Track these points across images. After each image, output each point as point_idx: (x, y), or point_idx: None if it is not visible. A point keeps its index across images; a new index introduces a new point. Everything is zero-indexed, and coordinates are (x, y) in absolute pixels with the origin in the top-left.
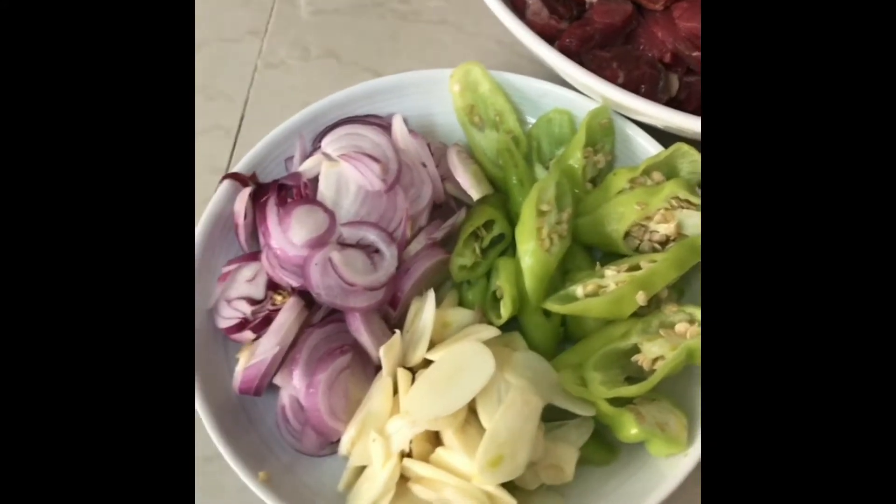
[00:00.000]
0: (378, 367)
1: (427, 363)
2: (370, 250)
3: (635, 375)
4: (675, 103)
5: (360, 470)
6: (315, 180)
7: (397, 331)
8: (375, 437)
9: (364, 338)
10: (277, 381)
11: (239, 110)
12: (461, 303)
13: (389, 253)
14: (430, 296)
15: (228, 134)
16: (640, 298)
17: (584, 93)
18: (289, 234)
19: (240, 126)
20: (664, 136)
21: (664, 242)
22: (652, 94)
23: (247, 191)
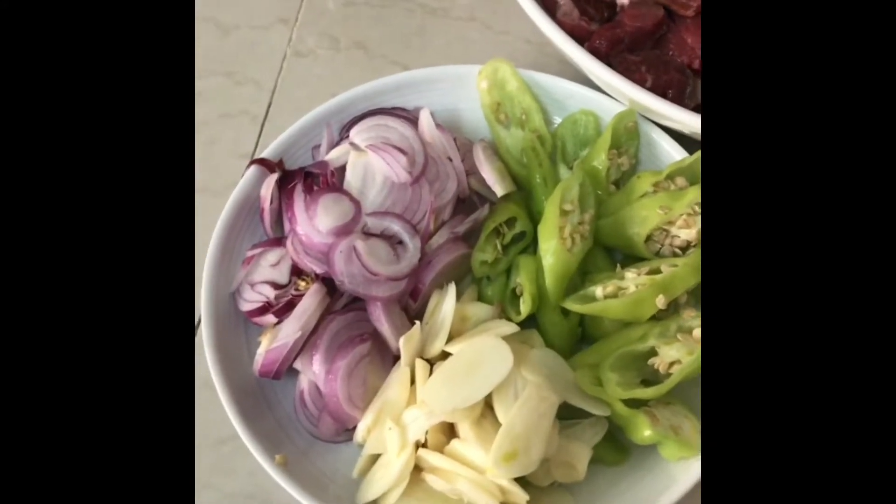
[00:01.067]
0: (396, 357)
1: (445, 355)
2: (394, 241)
3: (651, 378)
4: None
5: (375, 458)
6: (341, 169)
7: (417, 322)
8: (392, 426)
9: (384, 327)
10: (297, 365)
11: (267, 97)
12: (480, 298)
13: (413, 245)
14: (451, 289)
15: (255, 120)
16: (660, 302)
17: (612, 95)
18: (315, 221)
19: (267, 113)
20: (689, 142)
21: (685, 248)
22: (679, 100)
23: (273, 177)
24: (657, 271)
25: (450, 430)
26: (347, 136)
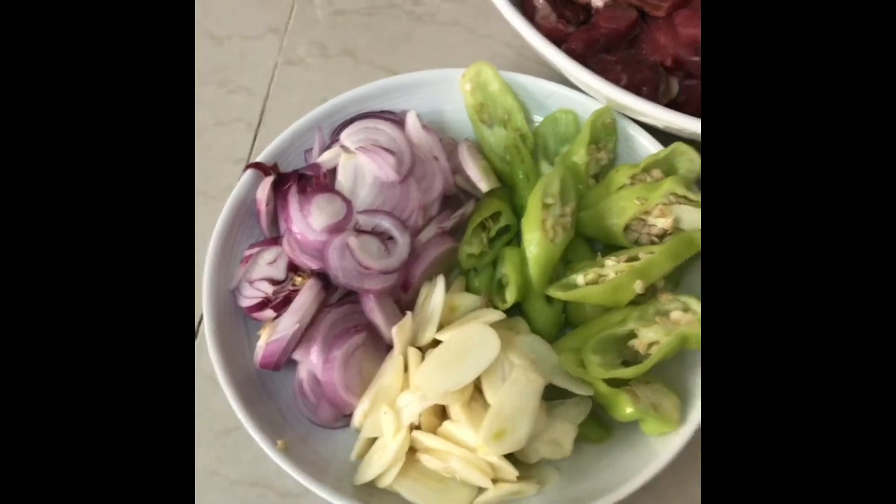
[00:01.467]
0: (390, 346)
1: (436, 343)
2: (384, 237)
3: (631, 360)
4: (674, 105)
5: (372, 441)
6: (333, 171)
7: (409, 312)
8: (387, 411)
9: (377, 318)
10: (296, 356)
11: (260, 104)
12: (468, 289)
13: (402, 240)
14: (440, 281)
15: (249, 127)
16: (638, 287)
17: (589, 94)
18: (309, 220)
19: (260, 119)
20: (664, 136)
21: (661, 236)
22: (653, 96)
23: (269, 180)
24: (635, 258)
25: (442, 413)
26: (338, 140)
